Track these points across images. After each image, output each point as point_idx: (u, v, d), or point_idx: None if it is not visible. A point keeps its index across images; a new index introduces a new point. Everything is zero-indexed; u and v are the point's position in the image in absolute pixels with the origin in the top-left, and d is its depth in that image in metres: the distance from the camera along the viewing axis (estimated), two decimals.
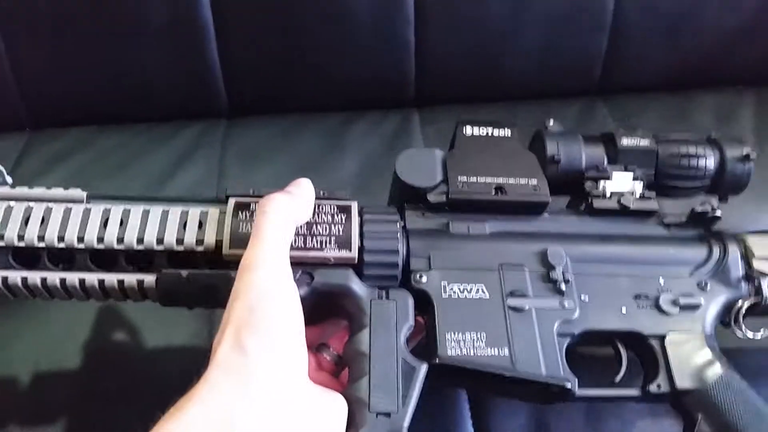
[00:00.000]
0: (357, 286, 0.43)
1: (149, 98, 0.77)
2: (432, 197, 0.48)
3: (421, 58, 0.75)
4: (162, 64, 0.74)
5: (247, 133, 0.77)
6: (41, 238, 0.42)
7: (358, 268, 0.44)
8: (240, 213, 0.44)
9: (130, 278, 0.43)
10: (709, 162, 0.51)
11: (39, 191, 0.45)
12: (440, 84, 0.78)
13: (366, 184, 0.69)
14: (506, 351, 0.42)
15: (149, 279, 0.43)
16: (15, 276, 0.43)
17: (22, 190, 0.45)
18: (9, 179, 0.47)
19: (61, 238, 0.43)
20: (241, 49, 0.74)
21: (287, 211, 0.41)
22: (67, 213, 0.43)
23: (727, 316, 0.47)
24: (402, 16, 0.71)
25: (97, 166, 0.72)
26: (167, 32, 0.71)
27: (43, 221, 0.43)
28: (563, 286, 0.45)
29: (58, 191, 0.45)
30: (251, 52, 0.74)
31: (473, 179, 0.48)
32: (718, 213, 0.49)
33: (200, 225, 0.44)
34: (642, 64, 0.80)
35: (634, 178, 0.49)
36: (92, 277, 0.43)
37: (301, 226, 0.44)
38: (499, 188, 0.48)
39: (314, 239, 0.44)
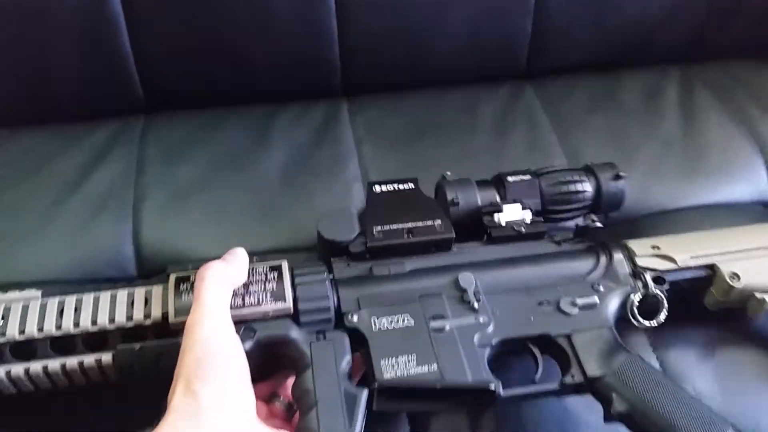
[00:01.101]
0: (296, 333, 0.49)
1: (60, 97, 0.74)
2: (353, 248, 0.54)
3: (345, 45, 0.74)
4: (71, 60, 0.71)
5: (167, 128, 0.74)
6: (2, 334, 0.47)
7: (295, 317, 0.49)
8: (181, 285, 0.49)
9: (89, 359, 0.48)
10: (586, 186, 0.59)
11: None
12: (368, 72, 0.78)
13: (294, 179, 0.68)
14: (435, 366, 0.48)
15: (106, 357, 0.48)
16: None
17: None
18: None
19: (21, 331, 0.47)
20: (154, 41, 0.71)
21: (223, 275, 0.47)
22: (25, 309, 0.48)
23: (623, 311, 0.54)
24: (323, 1, 0.69)
25: (7, 172, 0.70)
26: (75, 26, 0.68)
27: (3, 318, 0.47)
28: (476, 305, 0.51)
29: (14, 294, 0.50)
30: (166, 44, 0.72)
31: (387, 227, 0.55)
32: (598, 224, 0.57)
33: (146, 302, 0.49)
34: (568, 46, 0.81)
35: (523, 208, 0.57)
36: (54, 363, 0.47)
37: (239, 288, 0.49)
38: (410, 231, 0.55)
39: (252, 297, 0.49)
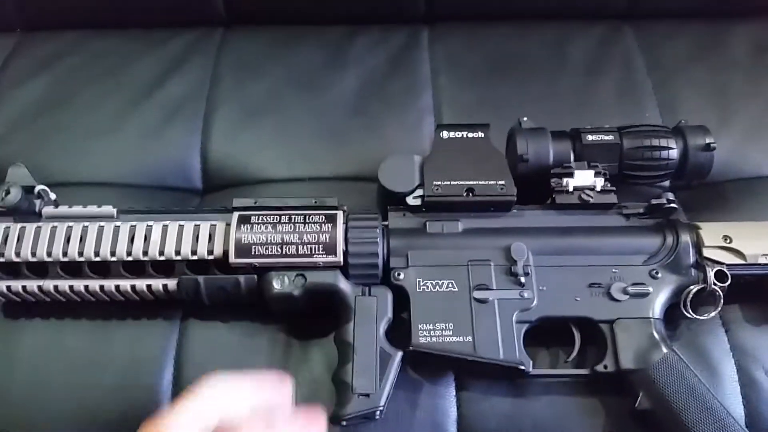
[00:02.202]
0: (343, 284, 0.51)
1: (141, 2, 0.75)
2: (410, 200, 0.54)
3: None
4: None
5: (244, 42, 0.74)
6: (81, 253, 0.51)
7: (344, 268, 0.51)
8: (242, 226, 0.51)
9: (156, 283, 0.52)
10: (673, 152, 0.55)
11: (77, 209, 0.54)
12: None
13: (366, 105, 0.68)
14: (470, 338, 0.50)
15: (172, 283, 0.52)
16: (64, 284, 0.52)
17: (63, 209, 0.54)
18: (53, 195, 0.56)
19: (96, 253, 0.51)
20: None
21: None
22: (100, 231, 0.52)
23: (676, 299, 0.52)
24: None
25: (86, 71, 0.72)
26: None
27: (82, 239, 0.52)
28: (523, 279, 0.51)
29: (92, 209, 0.54)
30: None
31: (447, 183, 0.54)
32: (674, 204, 0.53)
33: (210, 237, 0.52)
34: None
35: (596, 174, 0.54)
36: (125, 283, 0.52)
37: (293, 235, 0.51)
38: (470, 189, 0.53)
39: (305, 247, 0.51)
